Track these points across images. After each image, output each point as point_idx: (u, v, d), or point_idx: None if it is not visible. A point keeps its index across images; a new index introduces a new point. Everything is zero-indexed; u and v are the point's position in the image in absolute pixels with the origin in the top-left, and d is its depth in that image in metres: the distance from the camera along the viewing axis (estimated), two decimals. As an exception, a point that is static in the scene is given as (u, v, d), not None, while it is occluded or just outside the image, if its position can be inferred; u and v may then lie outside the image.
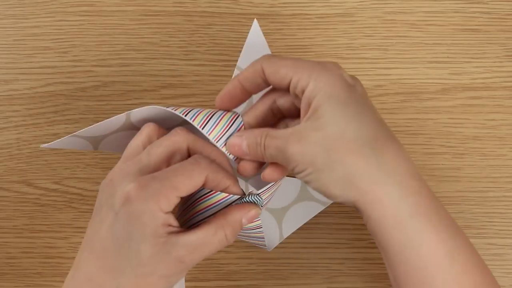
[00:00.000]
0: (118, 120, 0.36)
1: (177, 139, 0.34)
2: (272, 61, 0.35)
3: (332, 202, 0.45)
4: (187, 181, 0.32)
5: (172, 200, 0.31)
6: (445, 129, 0.49)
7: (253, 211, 0.35)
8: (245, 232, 0.37)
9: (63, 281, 0.47)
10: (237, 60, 0.42)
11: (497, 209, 0.48)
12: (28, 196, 0.49)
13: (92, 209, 0.48)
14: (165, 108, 0.36)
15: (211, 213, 0.35)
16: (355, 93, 0.33)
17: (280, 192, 0.45)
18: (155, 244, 0.31)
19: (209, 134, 0.36)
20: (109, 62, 0.50)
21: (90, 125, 0.36)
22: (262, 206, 0.36)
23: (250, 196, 0.35)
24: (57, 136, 0.49)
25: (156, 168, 0.33)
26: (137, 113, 0.36)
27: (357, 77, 0.35)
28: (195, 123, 0.35)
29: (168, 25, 0.50)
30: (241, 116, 0.38)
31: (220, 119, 0.36)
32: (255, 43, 0.39)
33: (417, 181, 0.33)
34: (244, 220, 0.34)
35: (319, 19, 0.50)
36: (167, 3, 0.50)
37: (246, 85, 0.36)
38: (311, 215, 0.45)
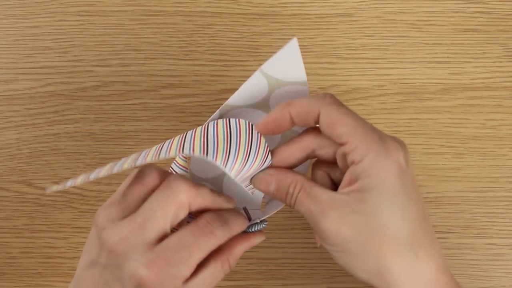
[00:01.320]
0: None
1: (179, 199, 0.32)
2: (331, 111, 0.32)
3: None
4: (200, 253, 0.31)
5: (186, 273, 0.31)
6: (445, 129, 0.49)
7: (258, 239, 0.36)
8: None
9: (63, 281, 0.47)
10: (237, 60, 0.41)
11: (497, 209, 0.48)
12: (28, 196, 0.49)
13: (92, 209, 0.48)
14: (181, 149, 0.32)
15: None
16: (406, 180, 0.31)
17: None
18: None
19: (233, 172, 0.33)
20: (109, 62, 0.50)
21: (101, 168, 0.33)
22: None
23: (256, 226, 0.36)
24: (56, 136, 0.49)
25: (162, 237, 0.31)
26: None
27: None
28: (218, 161, 0.33)
29: (168, 25, 0.50)
30: (271, 154, 0.35)
31: (255, 161, 0.34)
32: (290, 59, 0.36)
33: (445, 277, 0.32)
34: (247, 248, 0.35)
35: (319, 19, 0.50)
36: (167, 3, 0.50)
37: (296, 119, 0.34)
38: None
